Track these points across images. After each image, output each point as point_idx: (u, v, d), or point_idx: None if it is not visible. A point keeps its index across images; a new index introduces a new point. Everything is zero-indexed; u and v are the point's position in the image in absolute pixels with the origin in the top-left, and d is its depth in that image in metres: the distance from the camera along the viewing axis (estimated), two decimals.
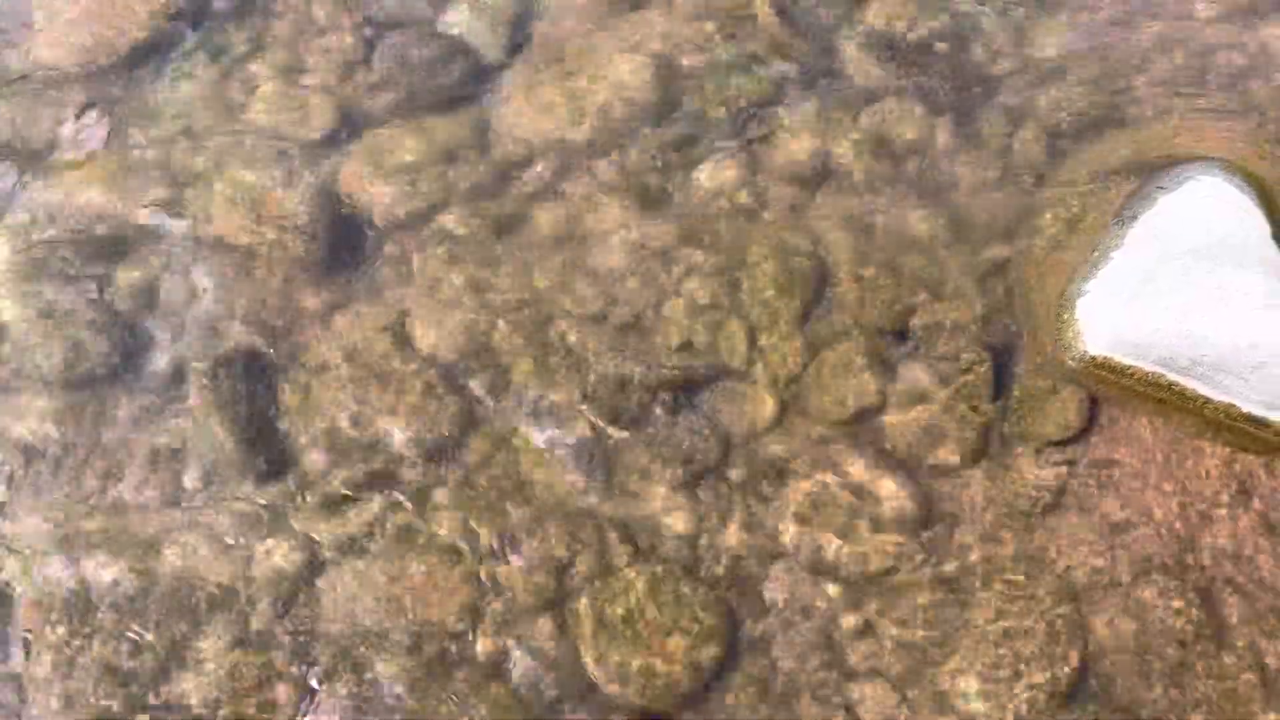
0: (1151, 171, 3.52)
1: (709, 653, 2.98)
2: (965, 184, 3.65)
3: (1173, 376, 3.14)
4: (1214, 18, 3.93)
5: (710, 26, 4.02)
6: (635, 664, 2.96)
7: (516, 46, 4.01)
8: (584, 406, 3.32)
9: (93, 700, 2.98)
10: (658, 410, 3.32)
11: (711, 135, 3.78)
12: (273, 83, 3.96)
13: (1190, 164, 3.49)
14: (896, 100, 3.82)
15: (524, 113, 3.86)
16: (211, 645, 3.03)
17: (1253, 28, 3.88)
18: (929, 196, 3.62)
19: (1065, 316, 3.28)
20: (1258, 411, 3.08)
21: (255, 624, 3.07)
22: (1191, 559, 3.02)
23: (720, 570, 3.09)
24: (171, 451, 3.31)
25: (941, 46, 3.92)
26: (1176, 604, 2.97)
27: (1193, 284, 3.16)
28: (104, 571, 3.15)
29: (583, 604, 3.05)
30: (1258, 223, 3.32)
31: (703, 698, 2.95)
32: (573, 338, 3.43)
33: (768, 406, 3.31)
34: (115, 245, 3.66)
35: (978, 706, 2.88)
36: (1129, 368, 3.18)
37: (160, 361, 3.45)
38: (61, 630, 3.06)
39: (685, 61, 3.93)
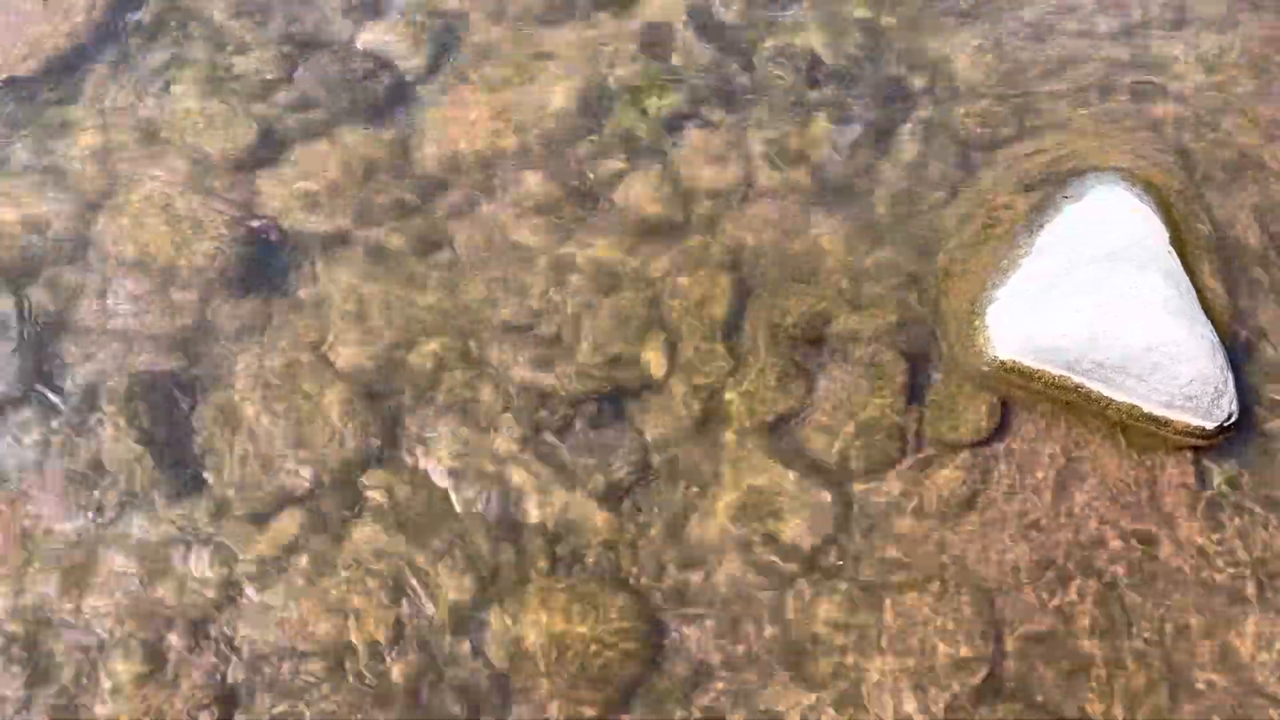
0: (1058, 182, 3.64)
1: (633, 660, 2.99)
2: (881, 195, 3.73)
3: (1078, 379, 3.24)
4: (1115, 35, 4.07)
5: (632, 42, 4.07)
6: (558, 672, 2.96)
7: (438, 63, 4.03)
8: (506, 419, 3.33)
9: None
10: (580, 421, 3.33)
11: (633, 149, 3.83)
12: (191, 100, 3.92)
13: (1094, 174, 3.61)
14: (813, 114, 3.90)
15: (446, 128, 3.88)
16: (125, 669, 2.97)
17: (1151, 45, 4.03)
18: (845, 208, 3.70)
19: (976, 323, 3.37)
20: (1158, 411, 3.19)
21: (171, 645, 3.02)
22: (1100, 556, 3.10)
23: (643, 577, 3.11)
24: (86, 473, 3.25)
25: (858, 63, 4.01)
26: (1086, 600, 3.05)
27: (1095, 289, 3.26)
28: (14, 596, 3.07)
29: (506, 613, 3.04)
30: (1156, 230, 3.44)
31: (626, 703, 2.96)
32: (495, 352, 3.44)
33: (689, 415, 3.34)
34: (27, 265, 3.59)
35: (896, 707, 2.93)
36: (1037, 371, 3.27)
37: (74, 382, 3.39)
38: None
39: (607, 77, 3.98)
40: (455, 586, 3.09)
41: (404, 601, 3.08)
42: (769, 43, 4.08)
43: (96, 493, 3.23)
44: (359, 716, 2.94)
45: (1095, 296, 3.25)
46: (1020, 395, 3.30)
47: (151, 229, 3.62)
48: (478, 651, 3.02)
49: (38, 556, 3.14)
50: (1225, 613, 3.02)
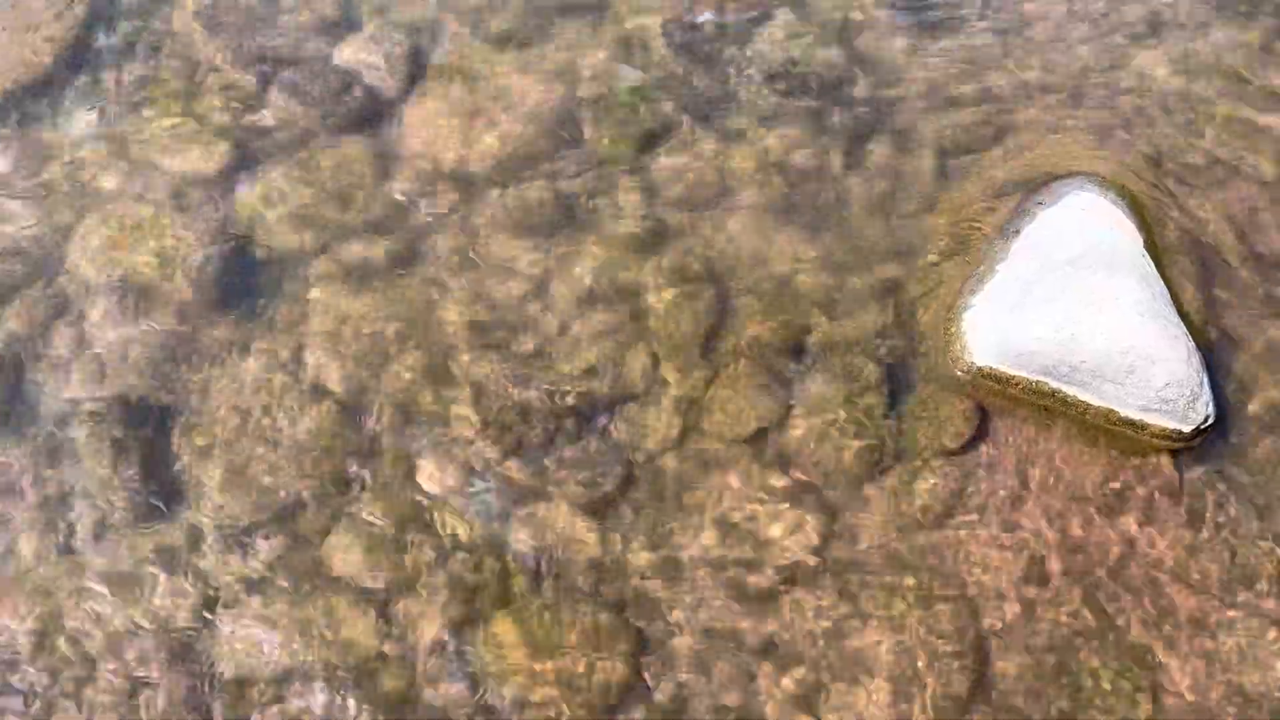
0: (1033, 188, 3.66)
1: (617, 675, 2.99)
2: (858, 205, 3.74)
3: (1055, 384, 3.25)
4: (1088, 41, 4.10)
5: (607, 56, 4.08)
6: (545, 688, 2.96)
7: (414, 79, 4.03)
8: (487, 434, 3.32)
9: None
10: (561, 436, 3.33)
11: (609, 163, 3.83)
12: (166, 120, 3.91)
13: (1068, 179, 3.63)
14: (790, 126, 3.91)
15: (422, 144, 3.88)
16: (105, 694, 2.95)
17: (1126, 50, 4.06)
18: (823, 218, 3.71)
19: (953, 330, 3.38)
20: (1135, 415, 3.20)
21: (150, 668, 3.00)
22: (1080, 560, 3.11)
23: (626, 591, 3.10)
24: (62, 497, 3.23)
25: (834, 73, 4.03)
26: (1067, 605, 3.06)
27: (1070, 294, 3.28)
28: None
29: (489, 631, 3.04)
30: (1130, 234, 3.46)
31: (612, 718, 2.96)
32: (474, 367, 3.44)
33: (670, 428, 3.34)
34: (1, 286, 3.58)
35: (882, 716, 2.93)
36: (1013, 377, 3.28)
37: (50, 405, 3.37)
38: None
39: (583, 91, 3.99)
40: (437, 604, 3.08)
41: (386, 620, 3.07)
42: (744, 55, 4.09)
43: (73, 516, 3.21)
44: None
45: (1070, 301, 3.27)
46: (998, 401, 3.31)
47: (127, 249, 3.61)
48: (461, 670, 3.01)
49: (14, 581, 3.12)
50: (1206, 614, 3.03)
